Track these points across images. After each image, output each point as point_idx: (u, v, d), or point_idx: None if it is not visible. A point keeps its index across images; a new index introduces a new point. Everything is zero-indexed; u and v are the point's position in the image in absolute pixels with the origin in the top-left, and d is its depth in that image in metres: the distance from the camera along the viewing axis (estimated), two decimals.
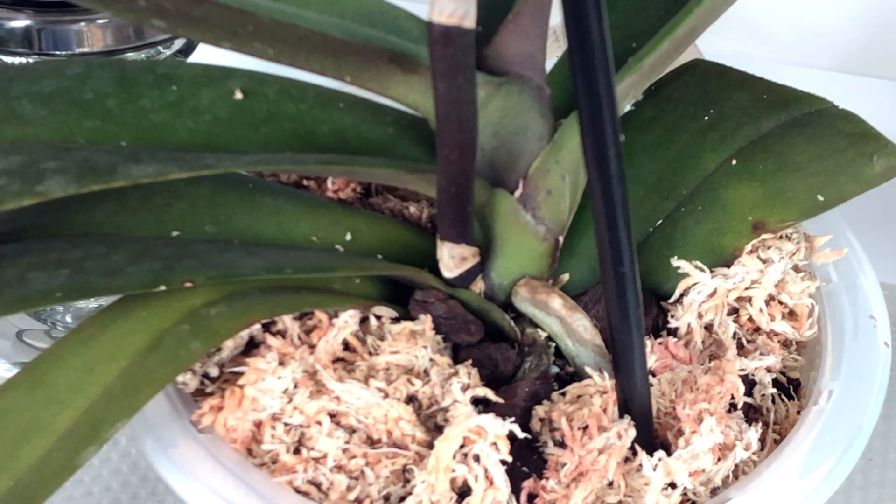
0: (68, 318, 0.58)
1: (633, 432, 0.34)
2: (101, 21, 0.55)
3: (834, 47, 0.73)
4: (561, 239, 0.38)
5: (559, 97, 0.37)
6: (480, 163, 0.34)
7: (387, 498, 0.34)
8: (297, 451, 0.35)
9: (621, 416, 0.34)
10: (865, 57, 0.70)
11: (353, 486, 0.34)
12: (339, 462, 0.34)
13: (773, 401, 0.38)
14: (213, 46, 0.34)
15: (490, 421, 0.33)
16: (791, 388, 0.39)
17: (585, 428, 0.34)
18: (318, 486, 0.34)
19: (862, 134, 0.42)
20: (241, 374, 0.35)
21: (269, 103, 0.37)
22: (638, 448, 0.34)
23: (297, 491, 0.34)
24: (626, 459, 0.34)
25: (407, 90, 0.35)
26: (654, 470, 0.33)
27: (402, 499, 0.34)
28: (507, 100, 0.35)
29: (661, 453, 0.34)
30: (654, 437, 0.35)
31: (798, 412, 0.38)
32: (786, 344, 0.40)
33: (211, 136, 0.36)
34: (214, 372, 0.36)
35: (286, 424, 0.35)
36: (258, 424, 0.35)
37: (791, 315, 0.40)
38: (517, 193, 0.36)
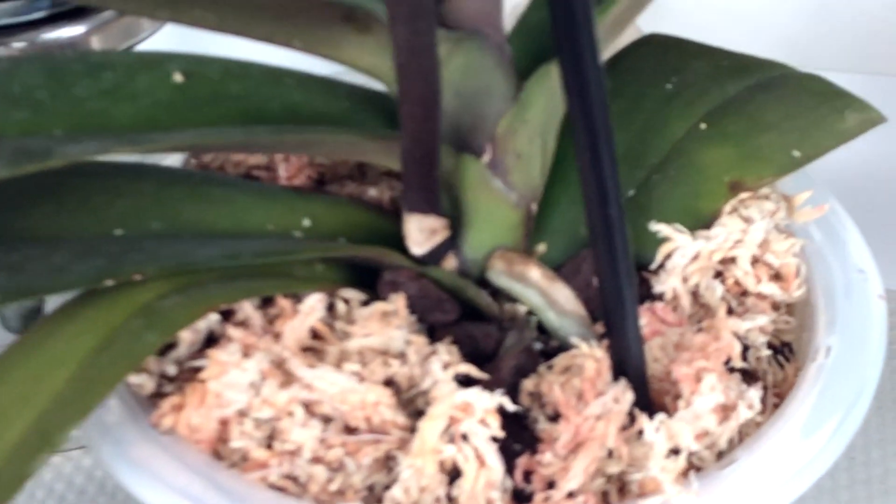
0: None
1: (630, 395, 0.32)
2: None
3: (776, 40, 0.73)
4: (534, 207, 0.36)
5: (519, 62, 0.35)
6: (444, 128, 0.32)
7: (371, 488, 0.32)
8: (269, 446, 0.32)
9: (615, 380, 0.32)
10: (808, 49, 0.69)
11: (333, 477, 0.31)
12: (316, 454, 0.31)
13: (769, 363, 0.36)
14: (149, 18, 0.32)
15: (477, 395, 0.31)
16: (785, 351, 0.37)
17: (580, 396, 0.32)
18: (294, 480, 0.31)
19: (831, 92, 0.41)
20: (201, 369, 0.32)
21: (213, 84, 0.35)
22: (637, 412, 0.32)
23: (273, 487, 0.31)
24: (624, 428, 0.32)
25: (362, 52, 0.33)
26: (657, 432, 0.31)
27: (388, 487, 0.31)
28: (468, 57, 0.33)
29: (661, 416, 0.31)
30: (651, 401, 0.33)
31: (795, 374, 0.36)
32: (775, 307, 0.38)
33: (152, 120, 0.34)
34: (172, 370, 0.33)
35: (255, 420, 0.32)
36: (224, 422, 0.32)
37: (777, 277, 0.38)
38: (485, 158, 0.34)
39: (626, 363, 0.31)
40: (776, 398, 0.36)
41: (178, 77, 0.35)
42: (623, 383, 0.32)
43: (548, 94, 0.35)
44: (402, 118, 0.31)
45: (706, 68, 0.42)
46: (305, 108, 0.35)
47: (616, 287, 0.30)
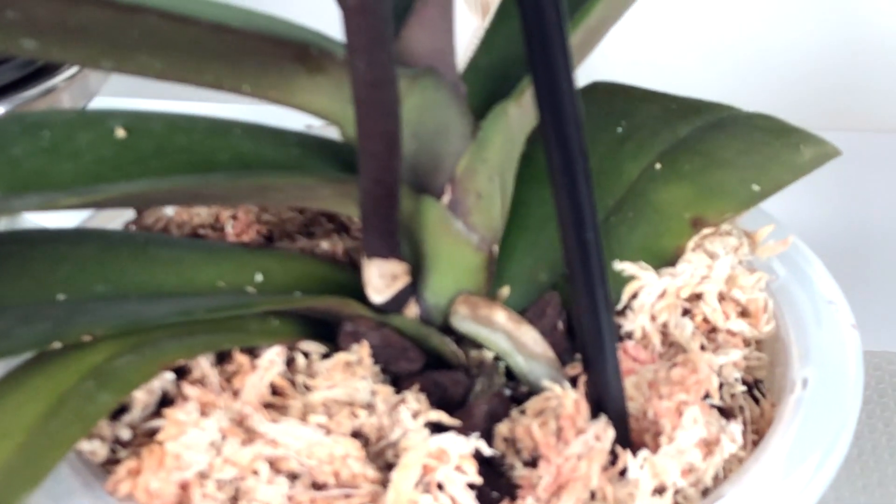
0: None
1: (612, 432, 0.30)
2: None
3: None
4: (496, 249, 0.35)
5: (471, 104, 0.35)
6: (402, 169, 0.31)
7: None
8: None
9: (594, 417, 0.31)
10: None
11: None
12: None
13: (744, 399, 0.35)
14: (92, 68, 0.31)
15: (451, 440, 0.29)
16: (758, 386, 0.36)
17: (559, 435, 0.31)
18: None
19: (783, 128, 0.41)
20: (157, 431, 0.31)
21: (157, 137, 0.34)
22: (619, 450, 0.30)
23: None
24: (606, 467, 0.31)
25: (314, 94, 0.32)
26: (642, 469, 0.30)
27: None
28: (424, 95, 0.32)
29: (645, 452, 0.30)
30: (631, 439, 0.31)
31: (771, 410, 0.35)
32: (745, 343, 0.37)
33: (96, 176, 0.32)
34: (126, 434, 0.31)
35: (218, 480, 0.30)
36: (184, 486, 0.30)
37: (744, 314, 0.37)
38: (445, 199, 0.33)
39: (606, 397, 0.30)
40: (754, 434, 0.35)
41: (120, 132, 0.33)
42: (604, 420, 0.30)
43: (505, 132, 0.34)
44: (361, 157, 0.30)
45: (655, 111, 0.42)
46: (255, 157, 0.34)
47: (594, 316, 0.28)
